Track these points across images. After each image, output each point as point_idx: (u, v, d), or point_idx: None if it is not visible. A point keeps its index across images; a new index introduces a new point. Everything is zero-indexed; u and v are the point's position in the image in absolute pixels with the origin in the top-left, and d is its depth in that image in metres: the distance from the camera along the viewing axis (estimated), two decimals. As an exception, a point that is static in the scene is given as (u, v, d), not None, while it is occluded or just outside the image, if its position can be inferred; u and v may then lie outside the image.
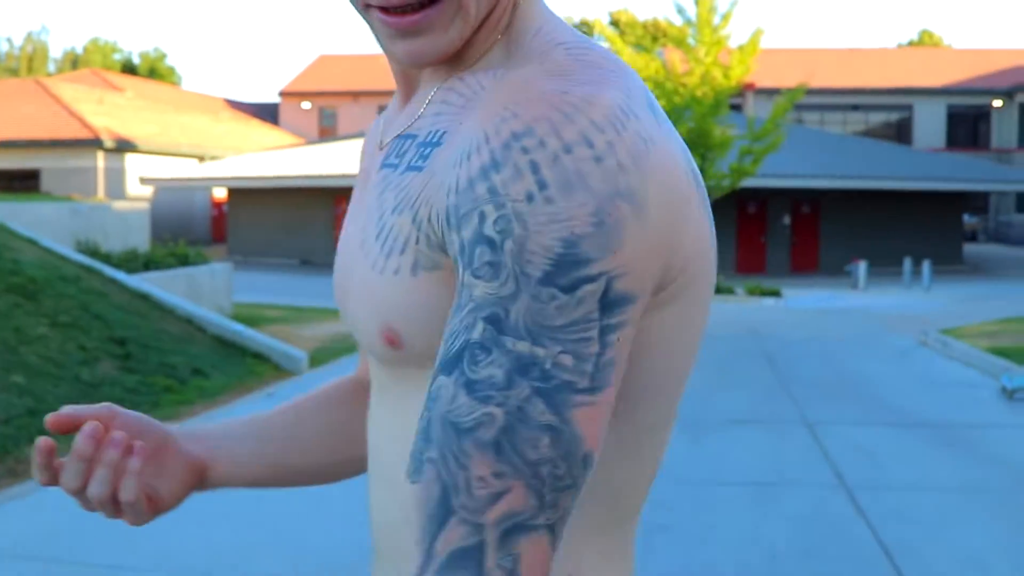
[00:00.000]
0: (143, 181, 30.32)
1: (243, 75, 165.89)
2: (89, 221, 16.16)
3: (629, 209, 0.73)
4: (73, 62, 67.02)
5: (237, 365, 10.23)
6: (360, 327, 0.89)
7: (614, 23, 60.27)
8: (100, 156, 31.30)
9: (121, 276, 11.53)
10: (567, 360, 0.70)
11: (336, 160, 28.66)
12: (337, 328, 13.43)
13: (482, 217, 0.72)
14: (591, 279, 0.71)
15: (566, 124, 0.73)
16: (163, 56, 70.65)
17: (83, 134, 30.92)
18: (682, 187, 0.78)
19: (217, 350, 10.52)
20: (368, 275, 0.86)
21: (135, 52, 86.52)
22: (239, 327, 11.30)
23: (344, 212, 6.13)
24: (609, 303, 0.72)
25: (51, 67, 66.51)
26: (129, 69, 66.46)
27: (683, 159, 0.80)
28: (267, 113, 51.05)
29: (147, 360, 9.18)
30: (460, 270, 0.74)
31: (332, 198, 29.07)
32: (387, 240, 0.84)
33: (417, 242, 0.81)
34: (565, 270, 0.71)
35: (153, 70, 68.05)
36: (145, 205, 18.77)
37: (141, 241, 17.31)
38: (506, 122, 0.74)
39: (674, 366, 0.85)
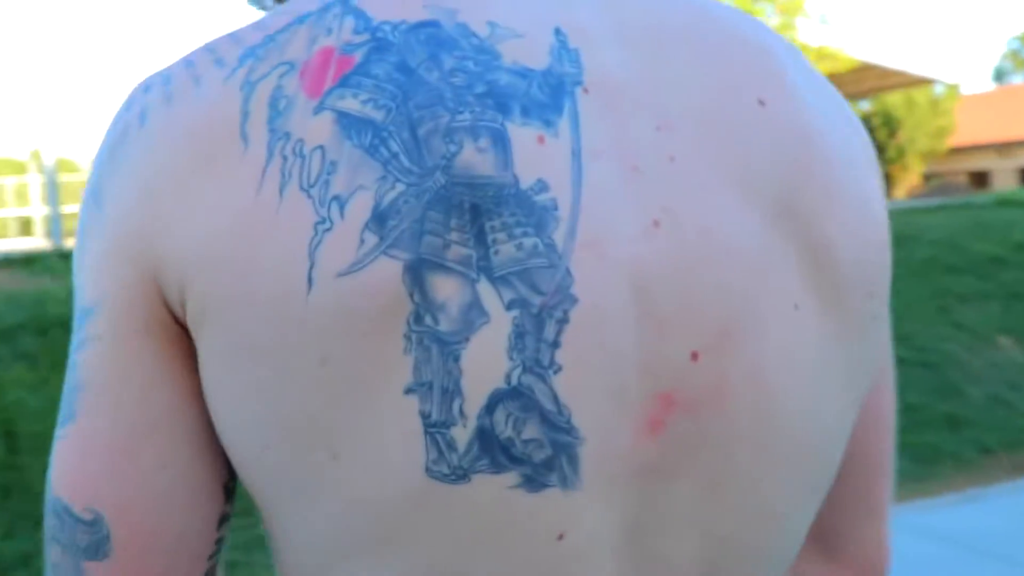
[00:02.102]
0: None
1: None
2: None
3: (89, 208, 0.62)
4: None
5: None
6: None
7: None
8: None
9: None
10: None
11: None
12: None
13: None
14: (76, 297, 0.62)
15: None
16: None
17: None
18: (197, 159, 0.58)
19: None
20: None
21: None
22: None
23: None
24: (77, 319, 0.61)
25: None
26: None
27: (227, 116, 0.58)
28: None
29: None
30: None
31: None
32: None
33: None
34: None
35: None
36: None
37: None
38: None
39: (301, 476, 0.57)
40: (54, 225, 13.40)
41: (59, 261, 8.24)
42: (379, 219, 0.54)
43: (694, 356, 0.58)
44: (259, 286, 0.55)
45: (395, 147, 0.55)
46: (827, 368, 0.64)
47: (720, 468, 0.60)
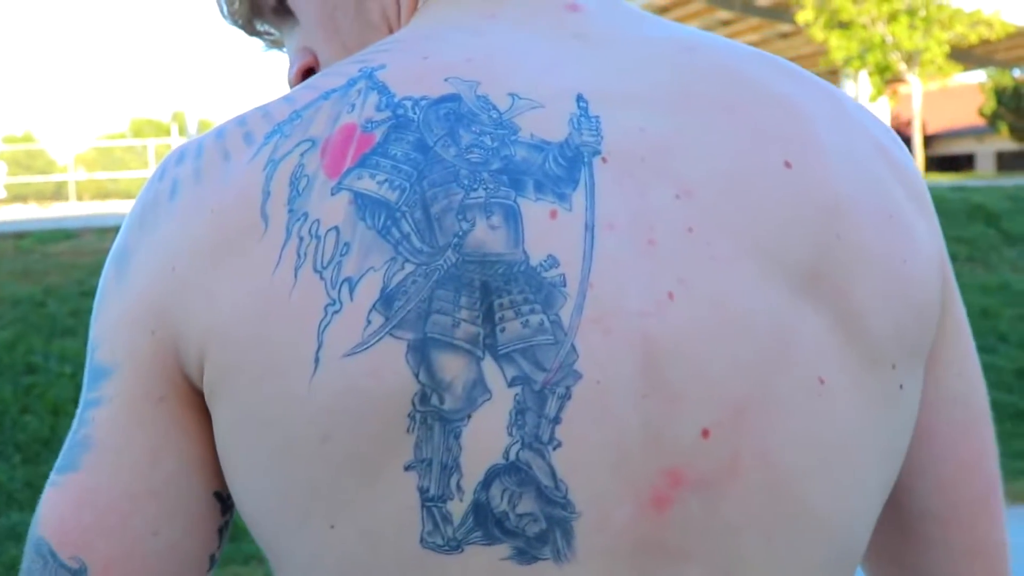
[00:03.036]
0: None
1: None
2: None
3: (113, 272, 0.64)
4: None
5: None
6: None
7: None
8: None
9: None
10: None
11: None
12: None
13: None
14: (89, 351, 0.65)
15: None
16: None
17: None
18: (220, 238, 0.60)
19: None
20: None
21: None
22: None
23: None
24: (90, 375, 0.64)
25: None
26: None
27: (249, 196, 0.59)
28: None
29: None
30: None
31: None
32: None
33: None
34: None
35: None
36: None
37: None
38: None
39: (300, 539, 0.59)
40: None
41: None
42: (386, 300, 0.55)
43: (705, 433, 0.58)
44: (269, 363, 0.57)
45: (406, 228, 0.56)
46: (857, 446, 0.62)
47: (731, 552, 0.59)
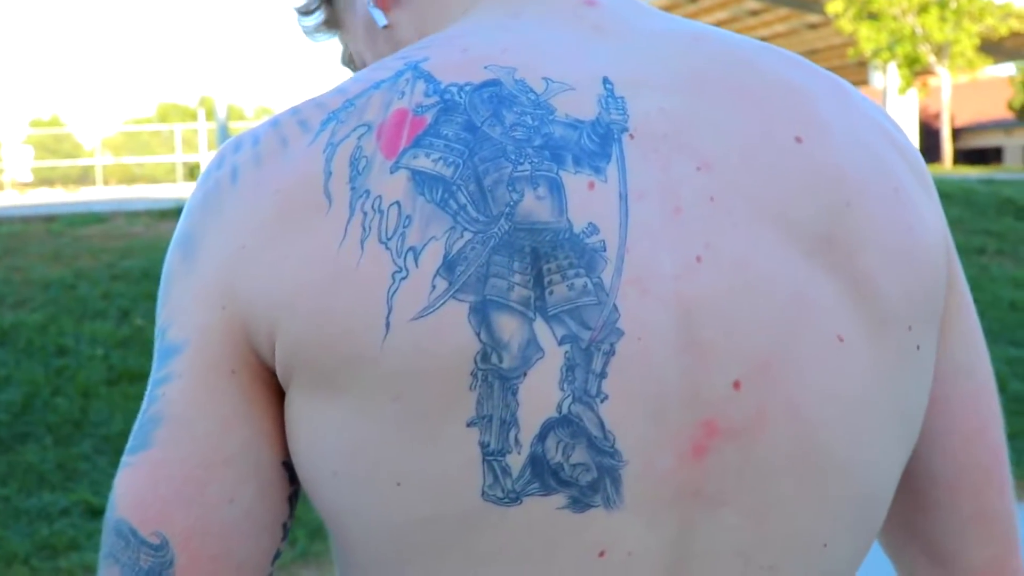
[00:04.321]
0: None
1: None
2: None
3: (179, 255, 0.67)
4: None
5: None
6: None
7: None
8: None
9: None
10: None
11: None
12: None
13: None
14: (158, 334, 0.67)
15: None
16: None
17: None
18: (285, 216, 0.63)
19: None
20: None
21: None
22: None
23: None
24: (160, 355, 0.66)
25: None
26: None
27: (311, 177, 0.63)
28: None
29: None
30: None
31: None
32: None
33: None
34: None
35: None
36: None
37: None
38: None
39: (367, 498, 0.62)
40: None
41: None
42: (449, 266, 0.59)
43: (736, 385, 0.62)
44: (341, 331, 0.60)
45: (463, 199, 0.61)
46: (875, 401, 0.66)
47: (763, 496, 0.63)
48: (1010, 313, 7.87)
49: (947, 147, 22.96)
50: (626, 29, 0.71)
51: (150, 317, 6.65)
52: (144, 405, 0.66)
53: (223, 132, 13.85)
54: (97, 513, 4.77)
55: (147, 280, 7.21)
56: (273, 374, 0.65)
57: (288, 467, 0.67)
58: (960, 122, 34.13)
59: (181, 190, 16.29)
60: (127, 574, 0.64)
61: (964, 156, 33.29)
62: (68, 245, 8.20)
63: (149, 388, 0.66)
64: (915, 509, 0.79)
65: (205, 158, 21.23)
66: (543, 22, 0.70)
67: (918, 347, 0.69)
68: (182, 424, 0.64)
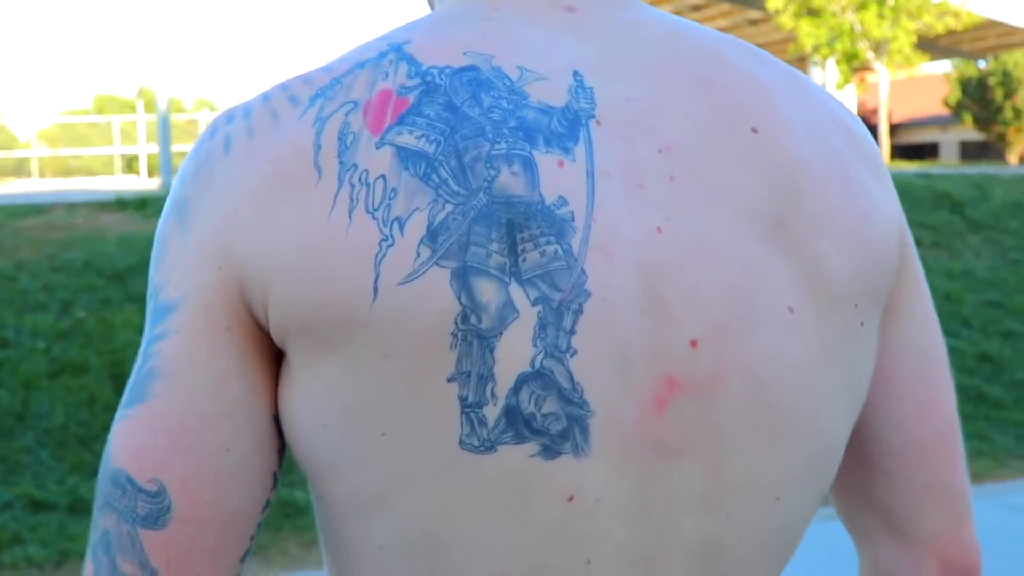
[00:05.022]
0: None
1: None
2: None
3: (173, 219, 0.71)
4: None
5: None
6: None
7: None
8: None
9: None
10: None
11: None
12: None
13: None
14: (151, 296, 0.71)
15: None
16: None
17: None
18: (276, 186, 0.68)
19: None
20: None
21: None
22: None
23: None
24: (154, 314, 0.70)
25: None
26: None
27: (302, 149, 0.68)
28: None
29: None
30: None
31: None
32: None
33: None
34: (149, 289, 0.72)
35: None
36: None
37: None
38: None
39: (353, 448, 0.67)
40: (164, 164, 13.65)
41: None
42: (432, 235, 0.64)
43: (693, 344, 0.67)
44: (333, 294, 0.65)
45: (444, 174, 0.66)
46: (822, 367, 0.71)
47: (720, 447, 0.69)
48: (945, 304, 8.05)
49: (885, 142, 23.30)
50: (602, 23, 0.76)
51: (92, 309, 6.57)
52: (139, 362, 0.69)
53: (164, 124, 13.65)
54: (40, 506, 4.72)
55: (88, 272, 7.12)
56: (266, 334, 0.69)
57: (278, 421, 0.70)
58: (897, 118, 34.67)
59: (120, 182, 16.04)
60: (124, 521, 0.67)
61: (901, 151, 33.85)
62: (8, 237, 8.07)
63: (143, 346, 0.70)
64: (869, 478, 0.83)
65: (144, 150, 20.92)
66: (521, 18, 0.75)
67: (862, 323, 0.74)
68: (179, 377, 0.67)
